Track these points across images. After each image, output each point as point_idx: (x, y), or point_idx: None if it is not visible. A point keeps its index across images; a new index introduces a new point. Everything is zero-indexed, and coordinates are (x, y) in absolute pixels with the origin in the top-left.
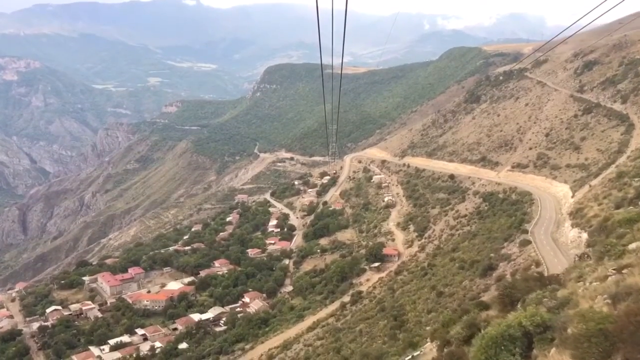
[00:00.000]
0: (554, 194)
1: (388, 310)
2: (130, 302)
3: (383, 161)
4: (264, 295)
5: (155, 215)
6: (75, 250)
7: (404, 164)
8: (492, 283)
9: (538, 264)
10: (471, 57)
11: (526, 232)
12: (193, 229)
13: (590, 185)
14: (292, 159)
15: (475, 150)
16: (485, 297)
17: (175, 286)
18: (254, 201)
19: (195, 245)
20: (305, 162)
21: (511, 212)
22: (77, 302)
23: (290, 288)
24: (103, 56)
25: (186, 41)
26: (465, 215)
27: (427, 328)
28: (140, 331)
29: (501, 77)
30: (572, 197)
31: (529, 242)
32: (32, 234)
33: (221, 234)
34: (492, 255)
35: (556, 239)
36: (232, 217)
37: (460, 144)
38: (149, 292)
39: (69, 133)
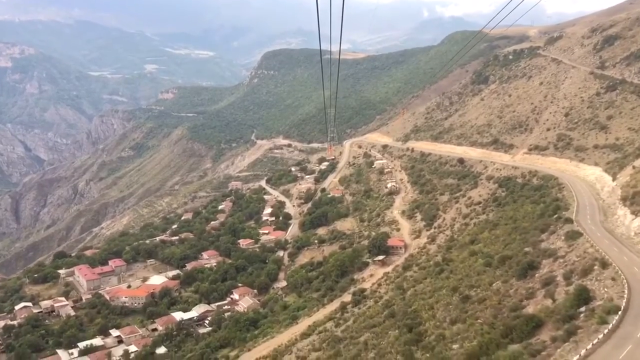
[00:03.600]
0: (584, 177)
1: (399, 317)
2: (108, 298)
3: (384, 146)
4: (255, 291)
5: (149, 203)
6: (68, 239)
7: (408, 149)
8: (538, 287)
9: (605, 264)
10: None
11: (570, 221)
12: (183, 218)
13: (634, 167)
14: (289, 145)
15: (485, 132)
16: (532, 308)
17: (158, 280)
18: (248, 188)
19: (183, 235)
20: (303, 149)
21: (535, 198)
22: (50, 298)
23: (284, 283)
24: (99, 43)
25: (184, 28)
26: (480, 203)
27: (455, 347)
28: (115, 332)
29: (511, 57)
30: (614, 180)
31: (579, 234)
32: (25, 222)
33: (212, 223)
34: (527, 250)
35: (611, 230)
36: (225, 205)
37: (468, 127)
38: (129, 286)
39: (64, 120)
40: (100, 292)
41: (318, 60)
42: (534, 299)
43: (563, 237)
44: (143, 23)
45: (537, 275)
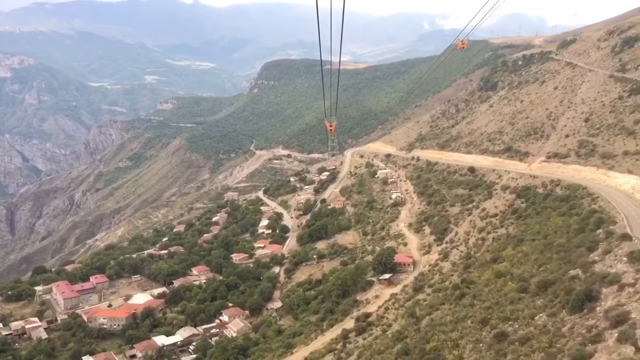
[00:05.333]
0: (616, 186)
1: (415, 356)
2: (85, 318)
3: (388, 155)
4: (247, 312)
5: (145, 214)
6: (62, 251)
7: (413, 157)
8: (605, 327)
9: None
10: (478, 50)
11: (628, 237)
12: (175, 230)
13: None
14: (289, 156)
15: (497, 140)
16: (605, 357)
17: (141, 299)
18: (245, 199)
19: (172, 249)
20: (303, 160)
21: (564, 210)
22: (23, 318)
23: (279, 304)
24: (100, 54)
25: (185, 40)
26: (496, 215)
27: None
28: (88, 359)
29: (520, 62)
30: None
31: None
32: (20, 234)
33: (205, 235)
34: (574, 273)
35: None
36: (219, 217)
37: (477, 134)
38: (110, 305)
39: (62, 131)
40: (77, 311)
41: (318, 70)
42: (603, 344)
43: (625, 259)
44: (144, 35)
45: (598, 308)
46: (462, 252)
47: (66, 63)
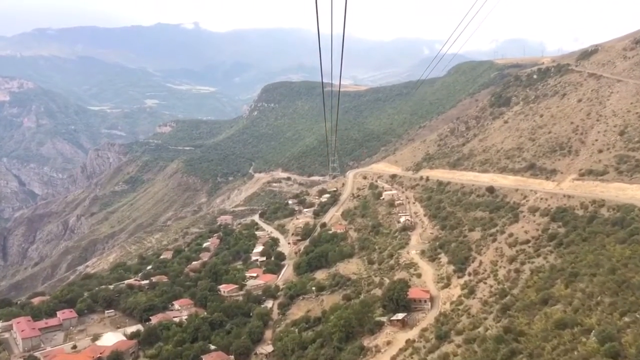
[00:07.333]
0: None
1: None
2: None
3: (393, 176)
4: (231, 358)
5: (138, 240)
6: (53, 277)
7: (421, 177)
8: None
9: None
10: (482, 70)
11: None
12: (161, 257)
13: None
14: (289, 178)
15: (516, 157)
16: None
17: (111, 339)
18: (239, 223)
19: (155, 279)
20: (303, 182)
21: (622, 235)
22: None
23: (270, 348)
24: (100, 78)
25: (186, 64)
26: (528, 241)
27: None
28: None
29: (535, 76)
30: None
31: None
32: (12, 259)
33: (193, 263)
34: None
35: None
36: (211, 243)
37: (493, 151)
38: (74, 347)
39: (60, 155)
40: (36, 354)
41: (319, 92)
42: None
43: None
44: (145, 59)
45: None
46: (492, 287)
47: (66, 87)
